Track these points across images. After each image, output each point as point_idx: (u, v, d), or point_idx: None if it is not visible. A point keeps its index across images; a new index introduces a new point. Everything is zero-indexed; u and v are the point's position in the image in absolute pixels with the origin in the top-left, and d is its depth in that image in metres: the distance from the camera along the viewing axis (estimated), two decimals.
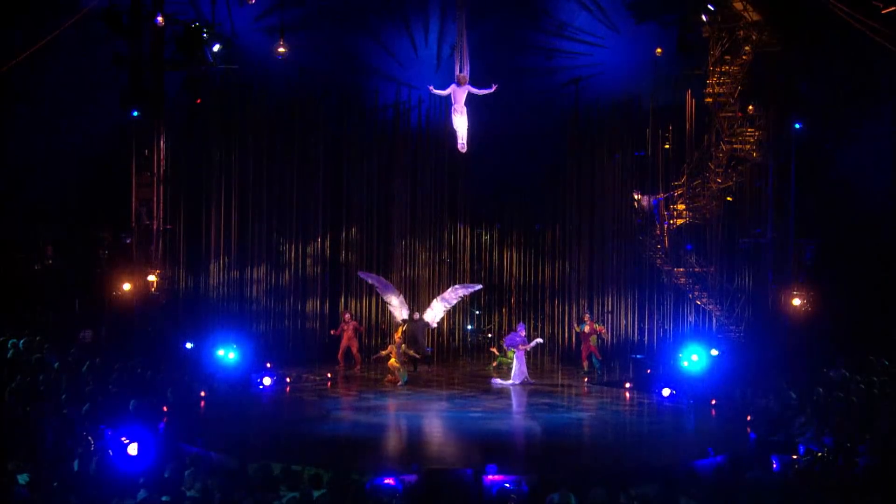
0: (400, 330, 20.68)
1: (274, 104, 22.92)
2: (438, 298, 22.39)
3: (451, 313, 23.48)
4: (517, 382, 19.41)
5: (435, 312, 22.16)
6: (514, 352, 21.75)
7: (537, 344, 20.53)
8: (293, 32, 21.45)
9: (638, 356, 22.21)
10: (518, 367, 19.57)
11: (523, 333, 20.12)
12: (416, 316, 21.66)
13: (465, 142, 16.51)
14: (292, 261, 23.14)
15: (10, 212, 21.82)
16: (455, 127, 16.47)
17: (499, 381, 19.88)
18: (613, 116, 22.86)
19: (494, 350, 22.51)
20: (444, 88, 16.36)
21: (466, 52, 16.12)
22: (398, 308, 21.96)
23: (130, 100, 19.73)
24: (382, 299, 22.61)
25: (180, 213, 21.38)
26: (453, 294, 22.56)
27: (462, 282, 23.63)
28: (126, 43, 19.52)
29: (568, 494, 10.35)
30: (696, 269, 21.17)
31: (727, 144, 20.56)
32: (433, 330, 22.85)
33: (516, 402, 18.01)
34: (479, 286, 23.11)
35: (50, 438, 12.27)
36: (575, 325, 22.29)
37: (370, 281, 22.53)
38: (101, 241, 21.40)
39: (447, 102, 16.93)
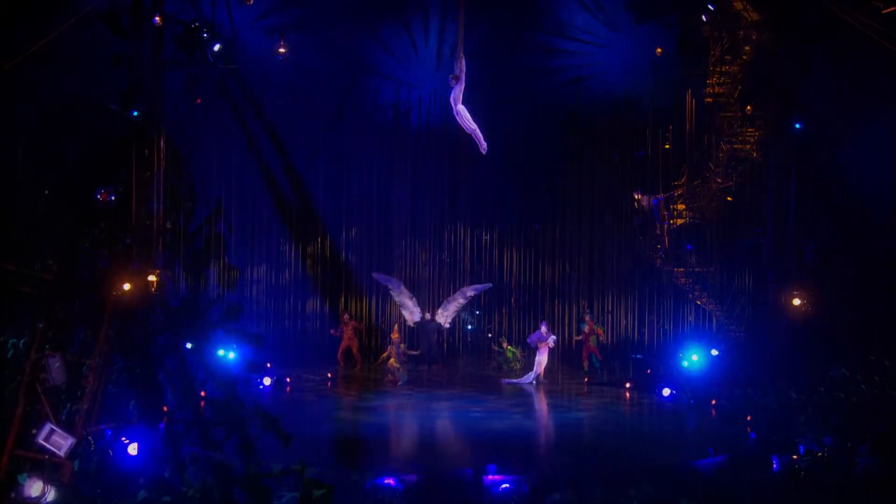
0: (396, 328, 20.64)
1: (274, 104, 22.93)
2: (449, 300, 22.30)
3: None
4: (533, 377, 19.45)
5: (448, 313, 22.13)
6: (511, 352, 21.88)
7: (554, 341, 20.63)
8: (293, 32, 21.45)
9: (638, 356, 22.22)
10: (539, 363, 19.60)
11: (545, 330, 20.18)
12: (428, 317, 21.60)
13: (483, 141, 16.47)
14: (292, 261, 23.14)
15: (10, 211, 21.79)
16: (468, 130, 16.44)
17: (510, 380, 19.92)
18: (613, 116, 22.86)
19: (494, 347, 22.51)
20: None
21: (462, 50, 16.06)
22: (411, 310, 21.89)
23: (130, 100, 19.70)
24: (395, 301, 22.60)
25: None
26: (462, 296, 22.54)
27: (462, 282, 23.65)
28: (126, 43, 19.48)
29: (568, 494, 10.34)
30: (696, 269, 21.16)
31: (727, 144, 20.55)
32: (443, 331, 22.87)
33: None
34: (489, 285, 23.05)
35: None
36: (574, 334, 22.35)
37: (384, 282, 22.43)
38: (101, 242, 21.35)
39: (448, 104, 16.83)
